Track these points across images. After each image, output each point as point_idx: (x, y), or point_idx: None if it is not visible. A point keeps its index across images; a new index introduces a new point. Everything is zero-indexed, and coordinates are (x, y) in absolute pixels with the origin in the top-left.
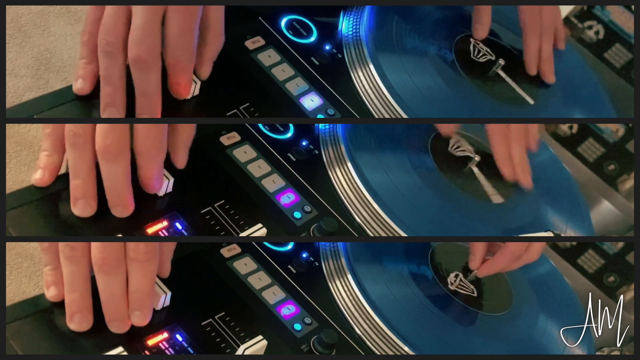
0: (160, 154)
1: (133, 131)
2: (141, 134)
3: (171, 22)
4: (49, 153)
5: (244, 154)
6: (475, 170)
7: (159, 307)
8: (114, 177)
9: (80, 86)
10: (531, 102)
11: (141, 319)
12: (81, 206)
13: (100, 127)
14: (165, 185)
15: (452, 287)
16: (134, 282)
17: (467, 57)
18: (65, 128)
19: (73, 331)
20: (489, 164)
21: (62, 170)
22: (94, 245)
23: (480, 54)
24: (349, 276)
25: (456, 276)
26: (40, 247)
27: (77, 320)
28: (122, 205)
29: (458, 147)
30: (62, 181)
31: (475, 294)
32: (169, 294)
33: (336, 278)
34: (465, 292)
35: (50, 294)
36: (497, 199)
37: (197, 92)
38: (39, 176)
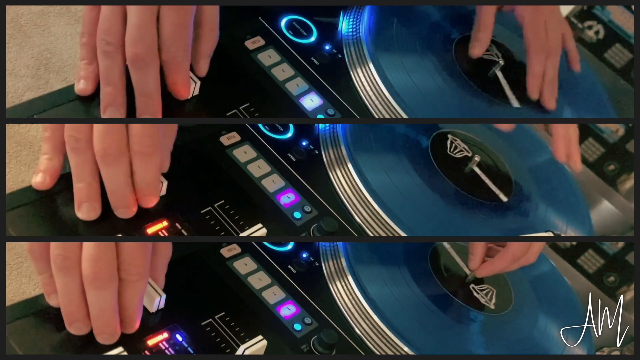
0: (155, 154)
1: (128, 132)
2: (136, 134)
3: (165, 19)
4: (49, 156)
5: (244, 154)
6: (477, 169)
7: (153, 309)
8: (114, 179)
9: (82, 87)
10: (516, 105)
11: (129, 330)
12: (86, 209)
13: (97, 130)
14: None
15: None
16: (123, 299)
17: (467, 57)
18: (65, 133)
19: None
20: (491, 167)
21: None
22: (85, 258)
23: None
24: (349, 276)
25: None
26: (30, 256)
27: (76, 328)
28: (125, 207)
29: (456, 148)
30: (62, 182)
31: (487, 303)
32: (164, 296)
33: (336, 278)
34: (476, 297)
35: (54, 302)
36: (503, 196)
37: (196, 92)
38: (39, 179)
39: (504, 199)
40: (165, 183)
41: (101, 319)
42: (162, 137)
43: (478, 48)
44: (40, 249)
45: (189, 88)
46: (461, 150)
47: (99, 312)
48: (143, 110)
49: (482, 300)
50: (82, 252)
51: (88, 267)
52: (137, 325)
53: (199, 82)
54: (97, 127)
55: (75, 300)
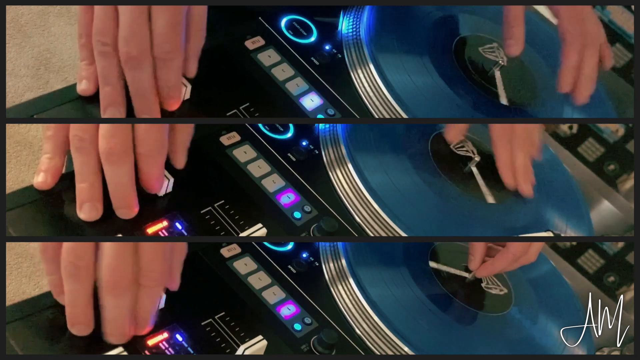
0: (161, 154)
1: (134, 133)
2: (142, 135)
3: (157, 16)
4: (51, 156)
5: (244, 154)
6: (475, 170)
7: None
8: (118, 179)
9: (84, 87)
10: (506, 103)
11: (141, 333)
12: (87, 210)
13: (103, 130)
14: (165, 185)
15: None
16: (139, 304)
17: (467, 57)
18: (70, 133)
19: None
20: (491, 166)
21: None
22: (105, 266)
23: (487, 47)
24: (349, 276)
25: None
26: (41, 257)
27: (78, 330)
28: (126, 207)
29: (462, 146)
30: (62, 181)
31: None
32: (164, 296)
33: (336, 278)
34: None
35: (63, 300)
36: (490, 199)
37: (187, 96)
38: (41, 179)
39: (491, 200)
40: (172, 180)
41: (115, 324)
42: (177, 135)
43: (515, 46)
44: (53, 251)
45: (182, 92)
46: (466, 150)
47: (114, 317)
48: (141, 110)
49: (496, 291)
50: (102, 260)
51: (105, 275)
52: (149, 328)
53: (189, 86)
54: (103, 127)
55: (82, 305)
